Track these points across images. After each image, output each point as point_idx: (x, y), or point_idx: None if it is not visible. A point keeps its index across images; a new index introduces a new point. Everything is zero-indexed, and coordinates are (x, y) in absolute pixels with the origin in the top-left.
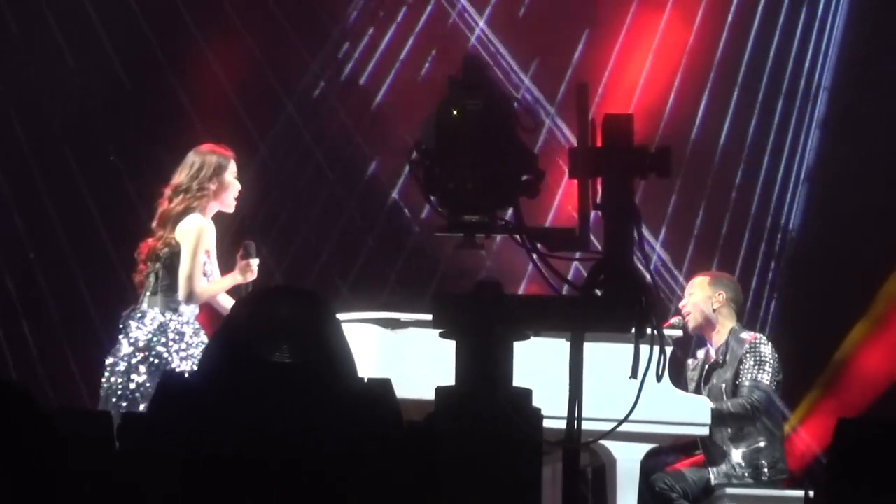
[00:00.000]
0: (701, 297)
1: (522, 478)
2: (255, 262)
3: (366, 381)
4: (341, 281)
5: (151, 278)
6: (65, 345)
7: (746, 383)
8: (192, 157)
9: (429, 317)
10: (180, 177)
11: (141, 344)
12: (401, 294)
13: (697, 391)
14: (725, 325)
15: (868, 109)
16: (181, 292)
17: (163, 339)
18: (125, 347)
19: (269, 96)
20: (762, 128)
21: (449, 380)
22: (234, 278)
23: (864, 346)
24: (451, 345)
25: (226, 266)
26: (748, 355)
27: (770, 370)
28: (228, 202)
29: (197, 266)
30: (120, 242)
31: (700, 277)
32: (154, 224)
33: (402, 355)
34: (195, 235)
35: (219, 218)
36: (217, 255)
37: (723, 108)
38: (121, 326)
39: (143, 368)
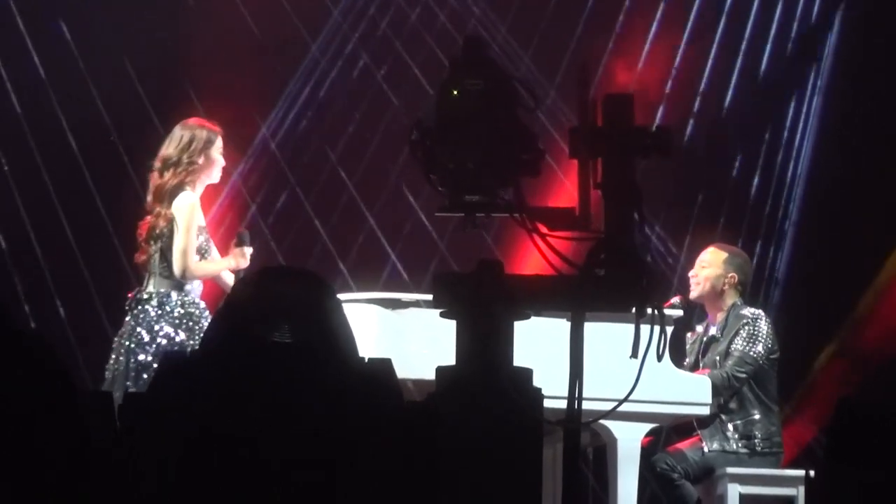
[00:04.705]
0: (713, 273)
1: (523, 458)
2: (248, 251)
3: (366, 360)
4: (342, 261)
5: (156, 258)
6: (68, 330)
7: (736, 354)
8: (181, 131)
9: (429, 296)
10: (168, 149)
11: (147, 325)
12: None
13: (696, 364)
14: (728, 302)
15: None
16: (176, 267)
17: (170, 319)
18: (132, 329)
19: (270, 77)
20: (763, 103)
21: (449, 359)
22: (229, 262)
23: (865, 327)
24: (451, 324)
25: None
26: (743, 329)
27: (763, 345)
28: (215, 176)
29: (191, 242)
30: (118, 223)
31: (716, 251)
32: (149, 200)
33: (403, 335)
34: (189, 211)
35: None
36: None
37: (724, 84)
38: (127, 308)
39: (150, 349)
